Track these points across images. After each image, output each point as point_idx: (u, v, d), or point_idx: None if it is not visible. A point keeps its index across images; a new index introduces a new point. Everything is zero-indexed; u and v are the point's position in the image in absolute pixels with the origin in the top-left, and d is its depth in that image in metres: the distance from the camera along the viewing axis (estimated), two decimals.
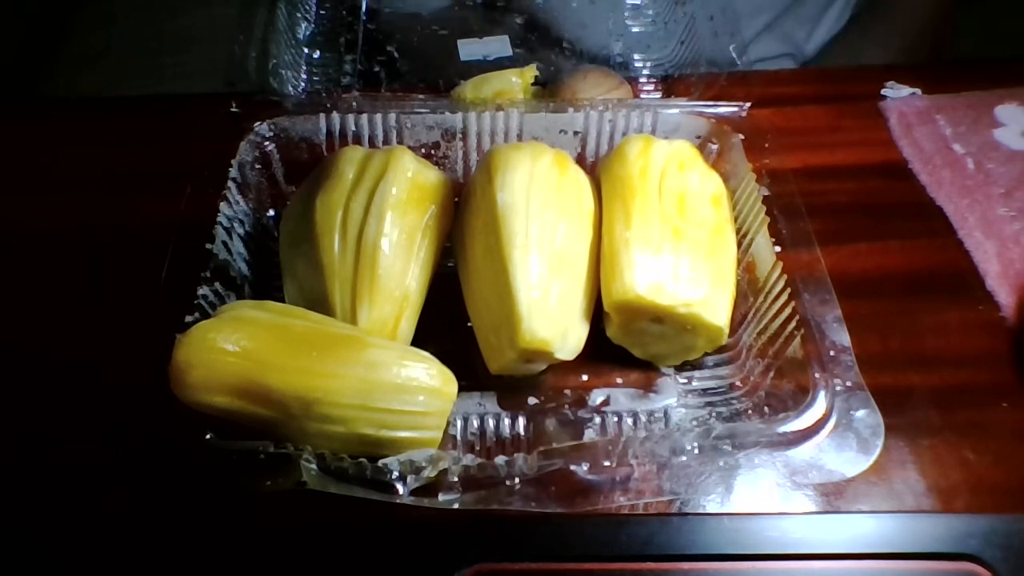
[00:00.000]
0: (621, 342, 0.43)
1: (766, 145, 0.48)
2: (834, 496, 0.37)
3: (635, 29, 0.62)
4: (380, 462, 0.35)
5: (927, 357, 0.43)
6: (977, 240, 0.48)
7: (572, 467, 0.36)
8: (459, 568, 0.34)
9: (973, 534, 0.35)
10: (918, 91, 0.59)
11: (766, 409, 0.40)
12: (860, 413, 0.37)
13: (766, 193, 0.45)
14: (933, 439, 0.39)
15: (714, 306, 0.40)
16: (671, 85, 0.57)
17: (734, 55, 0.52)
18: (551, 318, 0.39)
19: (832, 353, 0.39)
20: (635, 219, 0.42)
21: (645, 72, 0.59)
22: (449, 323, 0.43)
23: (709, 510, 0.37)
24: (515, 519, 0.36)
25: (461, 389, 0.39)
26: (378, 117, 0.49)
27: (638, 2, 0.62)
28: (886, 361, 0.42)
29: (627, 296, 0.40)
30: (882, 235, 0.50)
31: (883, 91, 0.60)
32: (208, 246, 0.42)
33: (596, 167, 0.48)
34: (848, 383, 0.37)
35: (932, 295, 0.46)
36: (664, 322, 0.41)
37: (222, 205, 0.44)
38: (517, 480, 0.36)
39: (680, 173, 0.44)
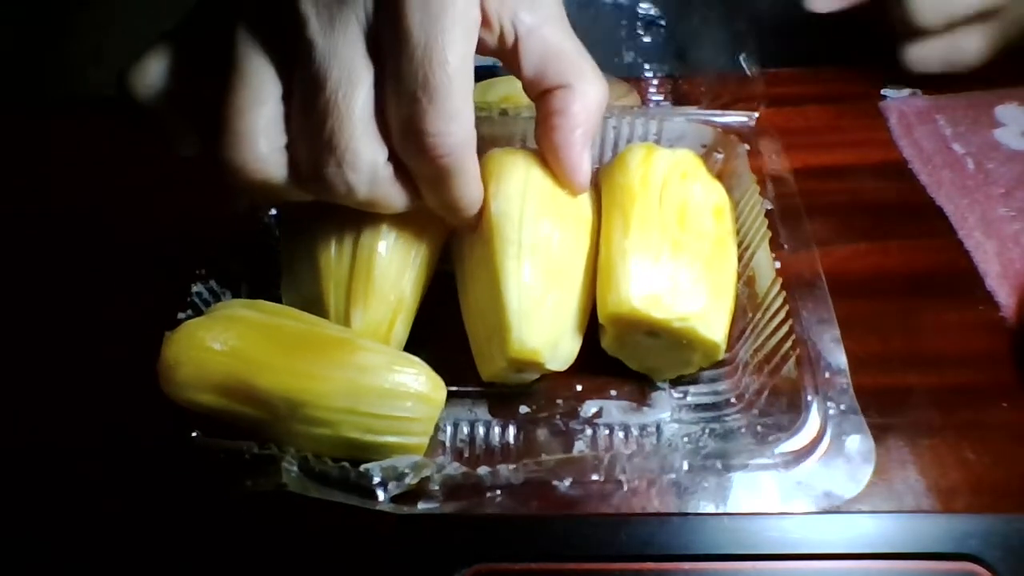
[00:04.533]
0: (616, 354, 0.42)
1: (773, 156, 0.47)
2: None
3: (646, 39, 0.61)
4: (362, 467, 0.35)
5: (927, 357, 0.43)
6: (977, 240, 0.48)
7: (554, 483, 0.35)
8: (459, 568, 0.34)
9: (973, 534, 0.34)
10: (918, 91, 0.59)
11: (759, 428, 0.39)
12: (852, 438, 0.36)
13: (769, 207, 0.44)
14: (933, 439, 0.39)
15: (711, 321, 0.39)
16: (679, 91, 0.57)
17: (743, 63, 0.52)
18: (542, 328, 0.38)
19: (827, 375, 0.38)
20: (634, 229, 0.41)
21: (655, 81, 0.59)
22: (444, 328, 0.43)
23: (709, 510, 0.36)
24: (515, 520, 0.36)
25: (453, 395, 0.38)
26: None
27: (649, 12, 0.62)
28: (886, 361, 0.42)
29: (621, 308, 0.39)
30: (882, 235, 0.49)
31: (883, 91, 0.59)
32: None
33: (598, 175, 0.48)
34: (842, 407, 0.37)
35: (932, 295, 0.46)
36: (660, 335, 0.40)
37: None
38: (499, 492, 0.36)
39: (682, 183, 0.43)
